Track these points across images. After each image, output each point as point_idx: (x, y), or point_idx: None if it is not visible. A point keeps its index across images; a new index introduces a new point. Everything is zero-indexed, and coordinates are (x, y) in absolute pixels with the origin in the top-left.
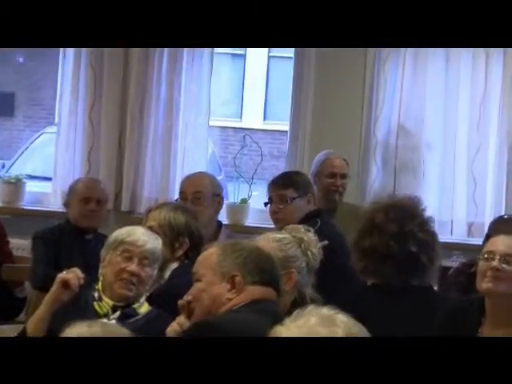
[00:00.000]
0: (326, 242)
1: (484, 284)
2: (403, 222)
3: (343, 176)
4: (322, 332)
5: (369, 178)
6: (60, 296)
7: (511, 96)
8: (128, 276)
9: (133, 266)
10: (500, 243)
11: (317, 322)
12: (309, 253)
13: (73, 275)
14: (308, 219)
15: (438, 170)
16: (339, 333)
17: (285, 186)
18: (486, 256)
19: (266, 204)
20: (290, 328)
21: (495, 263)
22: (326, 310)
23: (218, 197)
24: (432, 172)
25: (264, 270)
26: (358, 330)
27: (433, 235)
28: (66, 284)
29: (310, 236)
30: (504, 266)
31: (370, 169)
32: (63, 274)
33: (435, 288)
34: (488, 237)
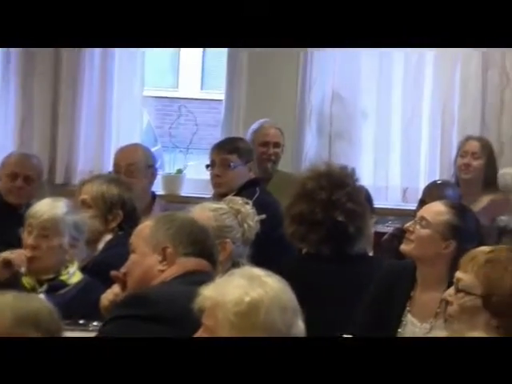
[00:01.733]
0: (263, 216)
1: (401, 245)
2: (332, 191)
3: (276, 145)
4: (237, 290)
5: (304, 146)
6: (1, 275)
7: (445, 60)
8: (29, 251)
9: (30, 239)
10: (424, 207)
11: (242, 280)
12: (245, 224)
13: (17, 256)
14: (246, 187)
15: (372, 136)
16: (250, 293)
17: (229, 151)
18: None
19: (207, 166)
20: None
21: (408, 225)
22: (258, 271)
23: (151, 168)
24: (367, 139)
25: (197, 241)
26: (277, 295)
27: (362, 205)
28: (8, 263)
29: (248, 208)
30: (417, 227)
31: (304, 137)
32: (7, 254)
33: (370, 253)
34: (421, 202)
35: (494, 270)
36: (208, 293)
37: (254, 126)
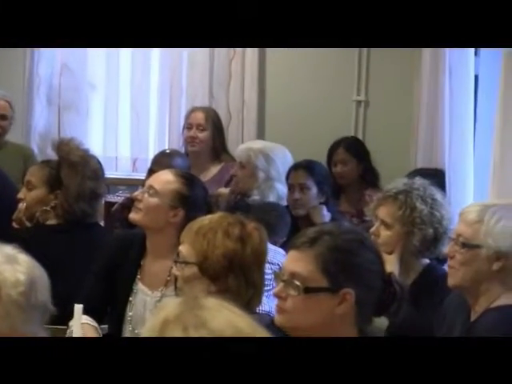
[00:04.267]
0: None
1: (130, 214)
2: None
3: (2, 117)
4: (8, 269)
5: (33, 117)
6: None
7: None
8: None
9: None
10: (152, 176)
11: (2, 259)
12: None
13: None
14: None
15: (101, 107)
16: (22, 271)
17: None
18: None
19: None
20: None
21: (136, 193)
22: (9, 249)
23: None
24: (96, 110)
25: None
26: (38, 272)
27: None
28: None
29: None
30: (146, 196)
31: (34, 108)
32: None
33: (101, 223)
34: (150, 171)
35: (205, 237)
36: None
37: None
